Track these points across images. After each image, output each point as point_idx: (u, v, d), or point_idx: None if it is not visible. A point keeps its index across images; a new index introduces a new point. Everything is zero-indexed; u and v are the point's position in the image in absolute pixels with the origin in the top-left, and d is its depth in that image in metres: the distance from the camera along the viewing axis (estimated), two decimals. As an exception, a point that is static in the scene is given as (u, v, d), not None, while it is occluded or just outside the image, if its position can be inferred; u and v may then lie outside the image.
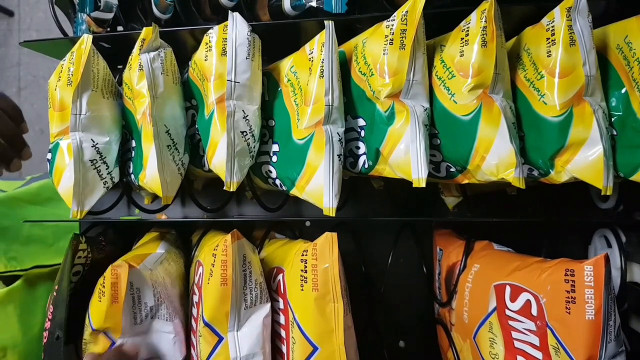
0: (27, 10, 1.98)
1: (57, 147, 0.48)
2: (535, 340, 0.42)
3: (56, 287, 0.46)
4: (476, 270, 0.51)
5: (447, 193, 0.59)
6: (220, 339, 0.43)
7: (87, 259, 0.50)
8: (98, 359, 0.43)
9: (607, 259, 0.37)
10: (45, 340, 0.45)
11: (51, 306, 0.45)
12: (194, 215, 0.69)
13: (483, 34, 0.42)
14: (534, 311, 0.41)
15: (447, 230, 0.62)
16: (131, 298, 0.43)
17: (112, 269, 0.42)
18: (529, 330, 0.42)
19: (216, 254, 0.43)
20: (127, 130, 0.53)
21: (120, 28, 0.65)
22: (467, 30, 0.44)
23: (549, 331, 0.40)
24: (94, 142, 0.48)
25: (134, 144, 0.52)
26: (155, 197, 0.68)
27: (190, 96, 0.52)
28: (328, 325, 0.42)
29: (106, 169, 0.49)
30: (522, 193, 0.49)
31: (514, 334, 0.44)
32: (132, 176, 0.52)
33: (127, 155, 0.53)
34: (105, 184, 0.49)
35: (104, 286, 0.42)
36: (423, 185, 0.43)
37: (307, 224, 0.65)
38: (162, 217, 0.69)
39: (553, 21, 0.42)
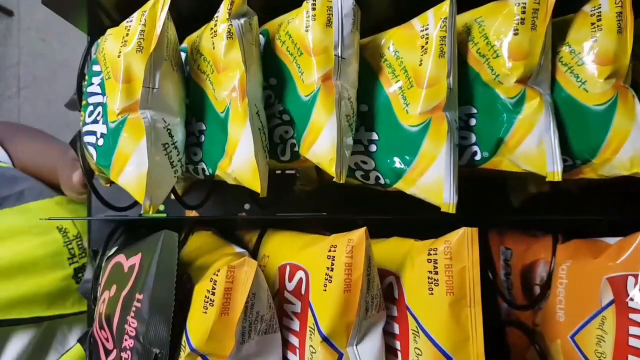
0: (27, 10, 1.89)
1: (120, 127, 0.39)
2: None
3: (138, 296, 0.37)
4: (569, 266, 0.49)
5: (521, 189, 0.57)
6: (340, 355, 0.37)
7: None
8: None
9: None
10: None
11: (133, 320, 0.36)
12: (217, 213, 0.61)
13: (619, 20, 0.40)
14: None
15: (506, 228, 0.59)
16: (244, 309, 0.35)
17: (227, 270, 0.34)
18: None
19: (336, 256, 0.37)
20: (192, 110, 0.45)
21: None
22: (599, 16, 0.41)
23: None
24: (165, 122, 0.40)
25: (202, 126, 0.44)
26: (185, 192, 0.59)
27: (270, 74, 0.45)
28: (464, 333, 0.38)
29: (177, 154, 0.41)
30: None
31: (632, 330, 0.42)
32: (203, 164, 0.44)
33: (190, 139, 0.45)
34: (175, 173, 0.41)
35: (213, 293, 0.34)
36: (559, 179, 0.39)
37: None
38: (192, 213, 0.61)
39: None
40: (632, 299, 0.42)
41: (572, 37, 0.43)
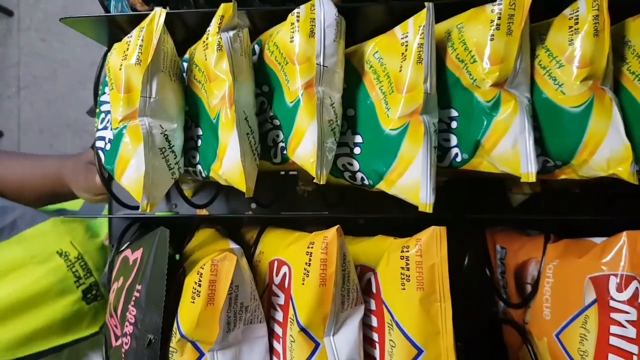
0: (27, 10, 1.94)
1: (121, 134, 0.43)
2: (633, 333, 0.41)
3: (138, 286, 0.41)
4: (555, 265, 0.49)
5: (516, 190, 0.57)
6: (317, 345, 0.40)
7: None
8: None
9: None
10: (126, 347, 0.40)
11: (133, 309, 0.40)
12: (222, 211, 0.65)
13: (595, 23, 0.40)
14: None
15: (502, 227, 0.60)
16: (228, 299, 0.39)
17: (211, 264, 0.38)
18: (631, 322, 0.41)
19: (313, 252, 0.40)
20: (191, 116, 0.48)
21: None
22: (577, 19, 0.42)
23: None
24: (162, 128, 0.44)
25: (199, 131, 0.48)
26: (197, 191, 0.64)
27: (262, 82, 0.48)
28: (434, 327, 0.40)
29: (174, 158, 0.45)
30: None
31: (613, 329, 0.42)
32: (199, 166, 0.48)
33: (189, 144, 0.49)
34: (173, 175, 0.45)
35: (199, 285, 0.38)
36: (533, 180, 0.40)
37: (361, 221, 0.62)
38: (203, 212, 0.65)
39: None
40: (613, 299, 0.43)
41: (550, 41, 0.43)
